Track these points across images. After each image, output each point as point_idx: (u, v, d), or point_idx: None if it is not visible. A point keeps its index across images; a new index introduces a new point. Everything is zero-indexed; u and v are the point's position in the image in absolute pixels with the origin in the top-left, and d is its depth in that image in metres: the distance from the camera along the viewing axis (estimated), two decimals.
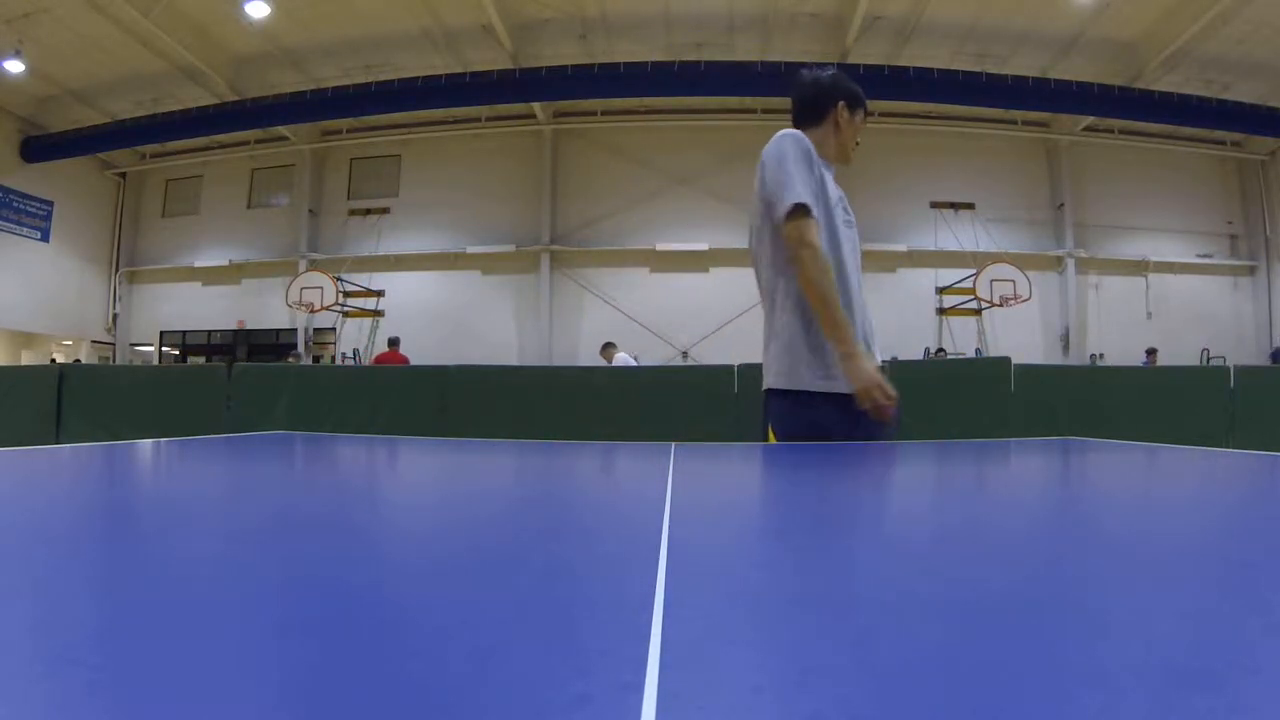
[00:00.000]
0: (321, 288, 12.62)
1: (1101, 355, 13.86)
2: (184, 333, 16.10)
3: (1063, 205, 14.48)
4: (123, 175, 16.19)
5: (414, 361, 9.45)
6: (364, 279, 14.19)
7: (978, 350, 12.98)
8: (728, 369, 4.80)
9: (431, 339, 13.89)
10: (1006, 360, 5.29)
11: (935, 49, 12.30)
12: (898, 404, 1.76)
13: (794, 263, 1.77)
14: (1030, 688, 0.29)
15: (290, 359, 11.13)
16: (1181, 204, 14.62)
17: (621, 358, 8.18)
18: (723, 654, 0.33)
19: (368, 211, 15.46)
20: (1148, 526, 0.77)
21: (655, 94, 13.19)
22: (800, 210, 1.76)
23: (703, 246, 14.33)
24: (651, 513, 0.76)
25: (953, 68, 12.27)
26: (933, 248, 14.06)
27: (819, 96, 2.00)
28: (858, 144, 2.03)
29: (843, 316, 1.76)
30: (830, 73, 2.07)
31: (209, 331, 15.96)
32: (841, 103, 1.99)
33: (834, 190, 1.92)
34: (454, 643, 0.34)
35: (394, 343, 10.11)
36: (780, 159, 1.81)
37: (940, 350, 12.82)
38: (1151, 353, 11.84)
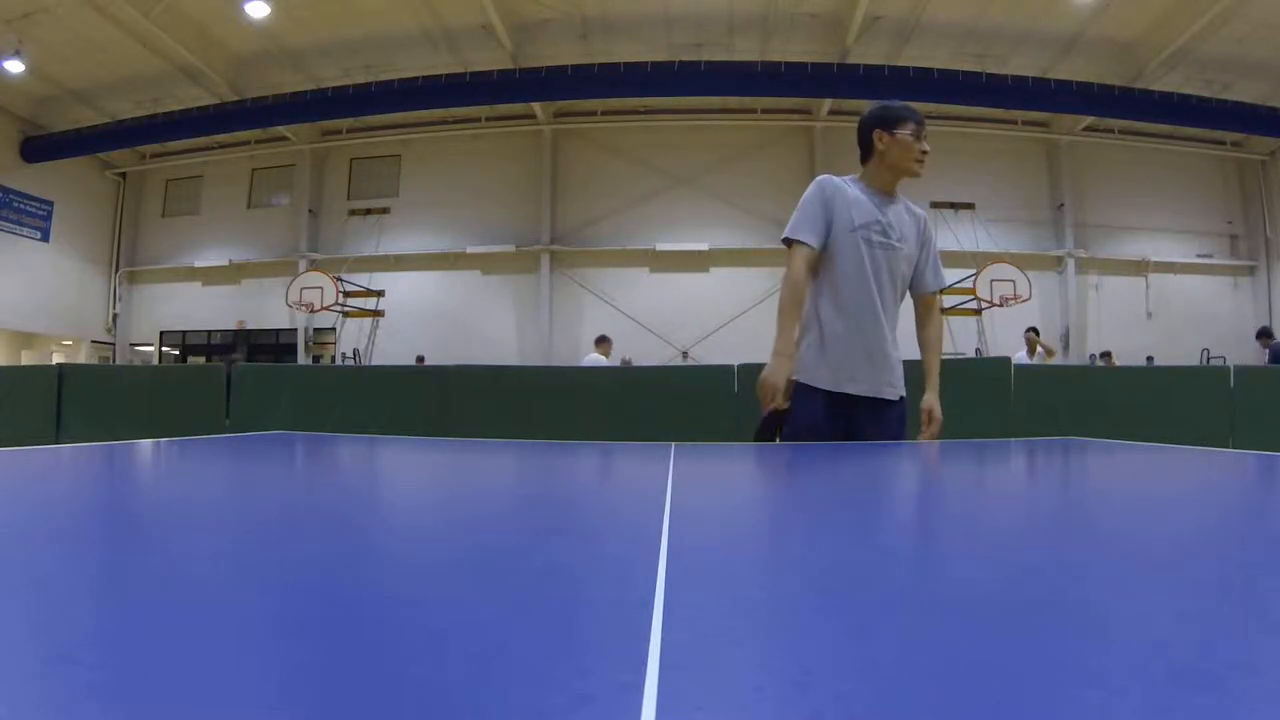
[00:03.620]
0: (321, 288, 12.60)
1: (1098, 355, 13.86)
2: (184, 333, 16.10)
3: (1063, 205, 14.47)
4: (123, 175, 16.18)
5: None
6: (364, 279, 14.18)
7: (978, 350, 12.97)
8: (727, 369, 4.80)
9: (431, 339, 13.88)
10: (1006, 360, 5.28)
11: (935, 49, 12.29)
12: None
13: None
14: (1030, 688, 0.29)
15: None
16: (1181, 204, 14.61)
17: (593, 359, 8.06)
18: (723, 654, 0.33)
19: (368, 211, 15.45)
20: (1148, 527, 0.76)
21: (655, 94, 13.18)
22: (799, 247, 2.14)
23: (703, 246, 14.33)
24: (651, 513, 0.76)
25: (953, 68, 12.26)
26: None
27: (860, 135, 2.20)
28: (924, 153, 2.14)
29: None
30: (870, 108, 2.22)
31: (209, 331, 15.95)
32: (875, 131, 2.15)
33: (869, 215, 2.13)
34: (455, 643, 0.34)
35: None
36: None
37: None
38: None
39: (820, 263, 2.13)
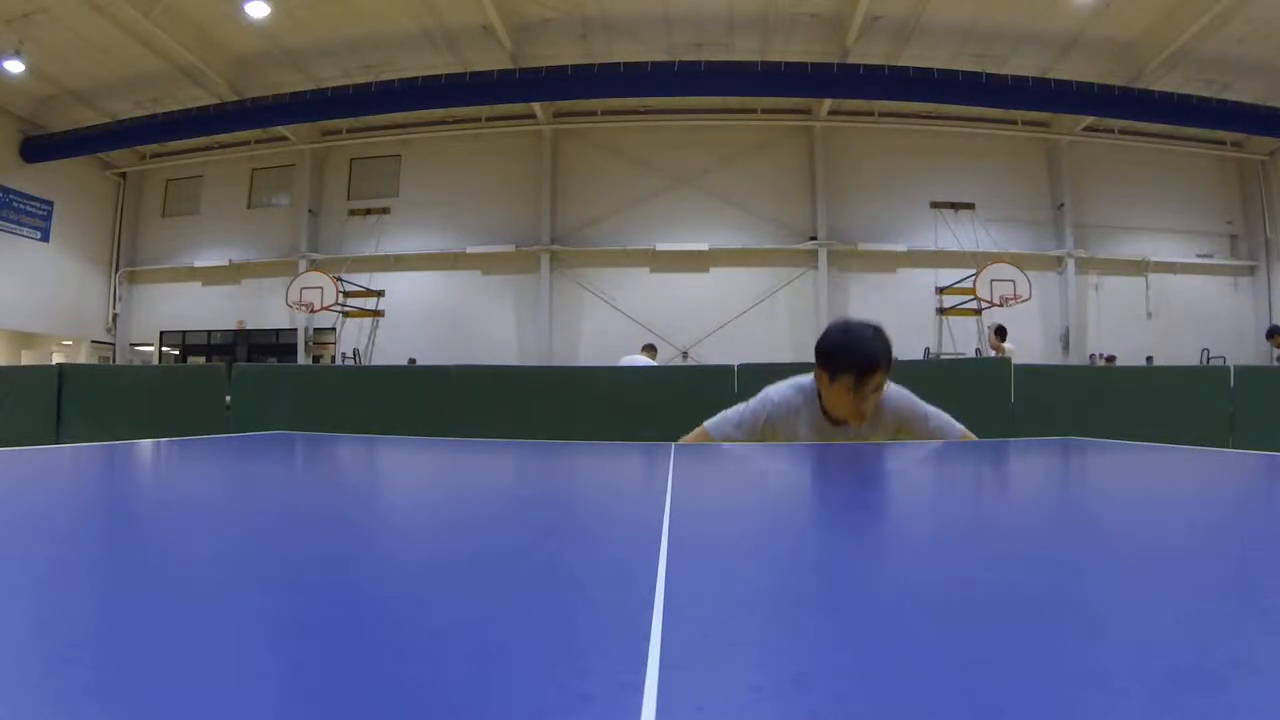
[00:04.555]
0: (321, 288, 12.61)
1: (1101, 356, 13.87)
2: (184, 333, 16.10)
3: (1063, 205, 14.46)
4: (123, 175, 16.17)
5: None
6: (364, 279, 14.18)
7: (977, 350, 12.97)
8: (727, 369, 4.79)
9: (431, 339, 13.88)
10: (1006, 360, 5.29)
11: (935, 49, 12.28)
12: None
13: None
14: (1030, 688, 0.29)
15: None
16: (1181, 204, 14.61)
17: (641, 360, 8.11)
18: (722, 654, 0.33)
19: (368, 211, 15.45)
20: (1148, 527, 0.76)
21: (655, 94, 13.17)
22: (704, 429, 2.05)
23: (703, 246, 14.33)
24: (651, 513, 0.76)
25: (953, 68, 12.25)
26: (933, 248, 14.02)
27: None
28: (865, 404, 1.86)
29: None
30: (827, 329, 1.97)
31: (209, 331, 15.95)
32: (817, 369, 1.92)
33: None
34: (455, 643, 0.34)
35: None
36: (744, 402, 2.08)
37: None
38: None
39: None
